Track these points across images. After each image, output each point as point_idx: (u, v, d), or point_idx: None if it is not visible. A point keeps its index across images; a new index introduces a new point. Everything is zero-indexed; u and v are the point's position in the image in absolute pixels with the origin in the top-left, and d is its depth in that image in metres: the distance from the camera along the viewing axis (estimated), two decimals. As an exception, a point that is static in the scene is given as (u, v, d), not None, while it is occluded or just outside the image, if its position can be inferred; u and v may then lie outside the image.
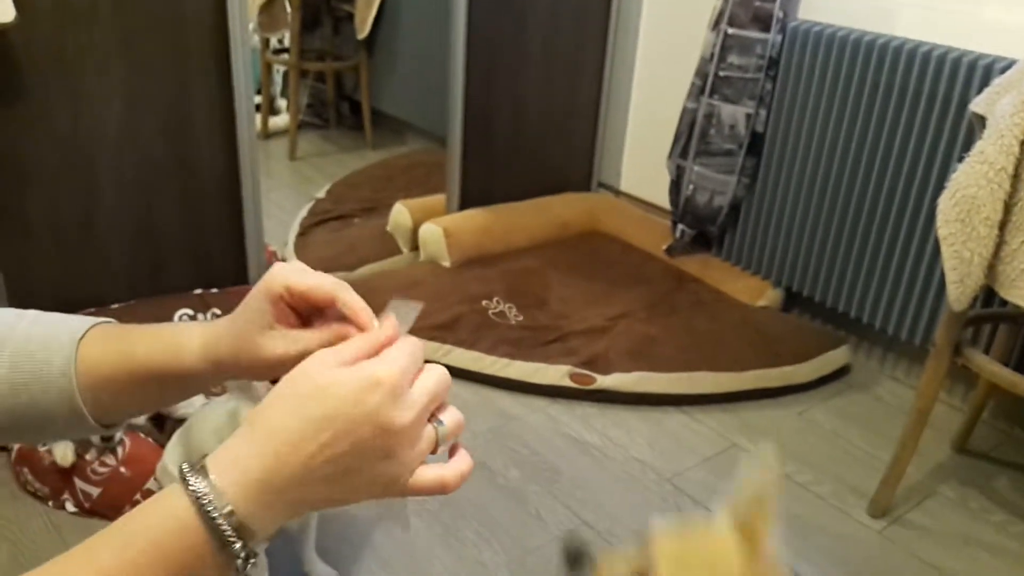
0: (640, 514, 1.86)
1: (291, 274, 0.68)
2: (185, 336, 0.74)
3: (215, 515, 0.54)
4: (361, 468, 0.58)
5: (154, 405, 0.82)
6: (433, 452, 0.62)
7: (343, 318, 0.69)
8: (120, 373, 0.76)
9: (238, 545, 0.55)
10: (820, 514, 1.92)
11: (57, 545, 1.65)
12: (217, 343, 0.72)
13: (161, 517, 0.55)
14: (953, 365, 1.77)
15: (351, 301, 0.68)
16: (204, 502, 0.54)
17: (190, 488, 0.55)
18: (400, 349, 0.62)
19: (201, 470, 0.56)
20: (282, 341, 0.68)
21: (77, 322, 0.78)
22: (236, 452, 0.58)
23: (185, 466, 0.56)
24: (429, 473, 0.62)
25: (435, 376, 0.63)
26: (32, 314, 0.79)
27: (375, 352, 0.62)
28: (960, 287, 1.57)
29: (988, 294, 1.87)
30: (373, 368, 0.59)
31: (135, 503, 1.71)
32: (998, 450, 2.21)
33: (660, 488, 1.94)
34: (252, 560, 0.56)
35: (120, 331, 0.78)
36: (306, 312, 0.71)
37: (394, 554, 1.70)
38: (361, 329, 0.67)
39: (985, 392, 2.07)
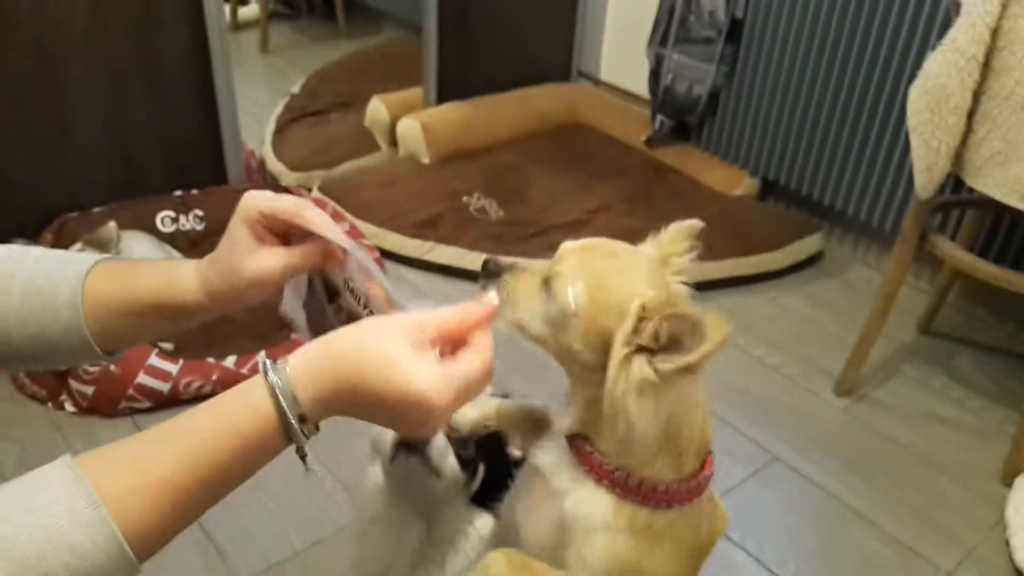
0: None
1: (259, 198, 0.77)
2: (182, 271, 0.81)
3: (286, 405, 0.64)
4: (401, 424, 0.70)
5: (155, 335, 0.89)
6: None
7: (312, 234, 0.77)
8: (123, 304, 0.83)
9: (304, 430, 0.65)
10: (788, 394, 2.01)
11: (59, 444, 1.72)
12: (209, 275, 0.79)
13: (253, 401, 0.65)
14: (921, 250, 1.83)
15: (312, 217, 0.76)
16: (280, 396, 0.64)
17: (270, 381, 0.64)
18: (465, 374, 0.68)
19: (282, 371, 0.65)
20: (266, 258, 0.77)
21: (82, 258, 0.84)
22: (313, 370, 0.66)
23: (268, 361, 0.66)
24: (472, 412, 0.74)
25: (479, 392, 0.70)
26: (39, 250, 0.85)
27: (456, 337, 0.69)
28: (927, 175, 1.61)
29: (958, 180, 1.90)
30: (428, 394, 0.66)
31: (129, 398, 1.78)
32: (961, 330, 2.30)
33: (637, 374, 2.02)
34: (311, 432, 0.67)
35: (123, 266, 0.85)
36: (284, 233, 0.78)
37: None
38: (323, 238, 0.76)
39: (951, 275, 2.14)
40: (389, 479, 1.05)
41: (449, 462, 1.00)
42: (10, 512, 0.58)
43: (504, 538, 0.95)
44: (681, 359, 0.69)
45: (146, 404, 1.79)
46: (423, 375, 0.65)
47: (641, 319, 0.72)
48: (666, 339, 0.70)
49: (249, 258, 0.77)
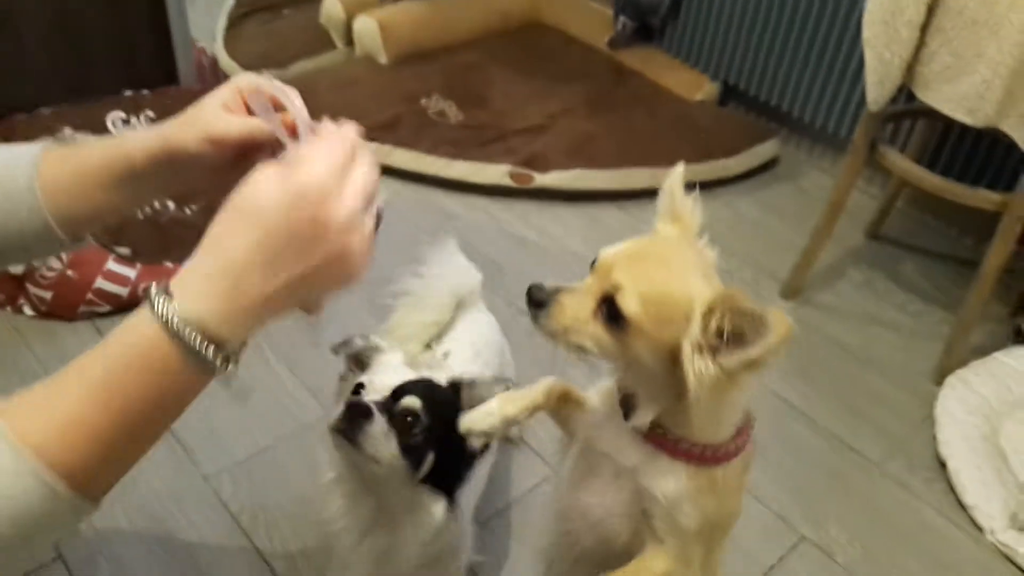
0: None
1: (253, 76, 0.81)
2: (132, 133, 0.84)
3: (184, 332, 0.63)
4: (319, 271, 0.67)
5: (111, 206, 0.87)
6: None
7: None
8: (76, 177, 0.84)
9: (214, 356, 0.64)
10: (739, 299, 2.08)
11: (20, 347, 1.73)
12: (169, 123, 0.81)
13: (138, 337, 0.64)
14: (872, 160, 1.87)
15: (291, 95, 0.77)
16: (179, 328, 0.63)
17: (157, 312, 0.63)
18: (318, 152, 0.67)
19: (167, 293, 0.64)
20: (228, 118, 0.80)
21: (33, 146, 0.85)
22: (199, 285, 0.65)
23: (153, 289, 0.64)
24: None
25: (363, 172, 0.68)
26: None
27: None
28: (879, 88, 1.64)
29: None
30: (296, 178, 0.65)
31: (88, 302, 1.78)
32: (908, 236, 2.37)
33: (593, 279, 2.07)
34: (231, 362, 0.66)
35: (74, 145, 0.86)
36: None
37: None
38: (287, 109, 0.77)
39: (899, 182, 2.19)
40: (340, 456, 1.05)
41: (388, 449, 0.98)
42: None
43: (566, 519, 0.98)
44: (743, 354, 0.71)
45: (106, 308, 1.80)
46: (283, 179, 0.65)
47: (705, 319, 0.73)
48: (729, 334, 0.71)
49: (215, 112, 0.80)
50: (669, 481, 0.84)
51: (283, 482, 1.51)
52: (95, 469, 0.64)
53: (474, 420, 0.93)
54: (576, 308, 0.79)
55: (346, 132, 0.70)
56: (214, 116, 0.80)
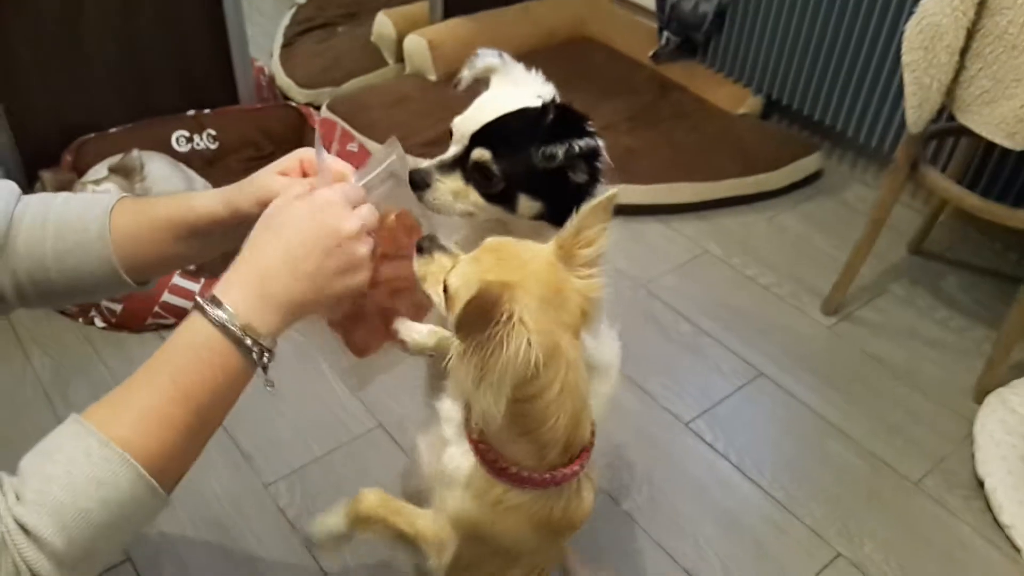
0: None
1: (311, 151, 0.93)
2: (200, 193, 0.95)
3: (235, 331, 0.77)
4: (333, 275, 0.82)
5: (176, 259, 0.99)
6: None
7: None
8: (144, 230, 0.94)
9: (255, 348, 0.78)
10: (778, 313, 2.11)
11: (91, 356, 1.85)
12: (236, 190, 0.92)
13: (193, 336, 0.77)
14: (912, 179, 1.89)
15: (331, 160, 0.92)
16: (228, 326, 0.77)
17: (210, 315, 0.77)
18: (336, 186, 0.85)
19: (215, 301, 0.77)
20: (281, 182, 0.90)
21: (106, 197, 0.96)
22: (237, 291, 0.79)
23: (200, 300, 0.78)
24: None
25: (369, 208, 0.87)
26: (63, 195, 0.97)
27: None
28: (918, 111, 1.66)
29: (954, 107, 1.94)
30: (317, 196, 0.83)
31: (155, 315, 1.89)
32: (951, 250, 2.37)
33: (635, 293, 2.12)
34: (268, 354, 0.79)
35: (145, 199, 0.97)
36: None
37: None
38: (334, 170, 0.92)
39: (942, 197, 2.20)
40: None
41: (467, 204, 1.02)
42: (38, 468, 0.69)
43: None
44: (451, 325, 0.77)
45: (171, 320, 1.90)
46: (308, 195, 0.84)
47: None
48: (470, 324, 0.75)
49: (269, 177, 0.91)
50: (456, 463, 0.90)
51: (336, 490, 1.59)
52: (169, 455, 0.74)
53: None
54: (436, 271, 0.86)
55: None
56: (269, 180, 0.90)
